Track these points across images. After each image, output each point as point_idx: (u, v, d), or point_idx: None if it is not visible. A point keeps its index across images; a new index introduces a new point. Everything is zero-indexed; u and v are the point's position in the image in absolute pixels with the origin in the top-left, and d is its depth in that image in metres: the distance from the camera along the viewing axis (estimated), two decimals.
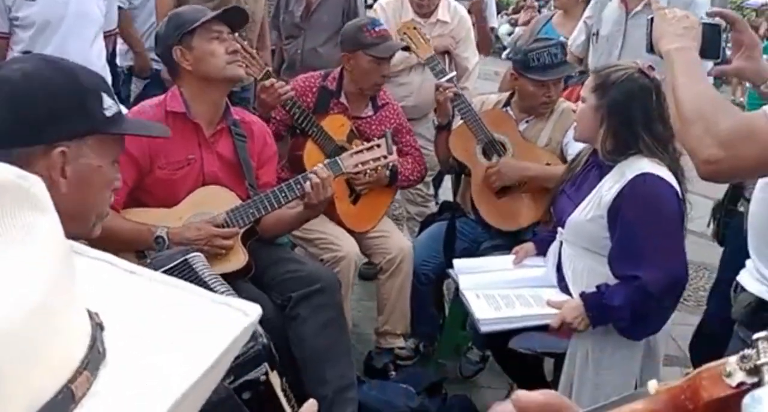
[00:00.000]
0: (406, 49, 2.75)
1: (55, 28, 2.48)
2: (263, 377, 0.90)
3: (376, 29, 2.67)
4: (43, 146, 1.14)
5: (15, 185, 0.42)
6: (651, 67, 2.38)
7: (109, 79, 2.82)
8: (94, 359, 0.41)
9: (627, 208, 2.00)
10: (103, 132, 1.21)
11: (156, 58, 2.68)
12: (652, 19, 1.45)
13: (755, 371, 0.34)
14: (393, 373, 2.70)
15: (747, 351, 0.35)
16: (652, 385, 0.39)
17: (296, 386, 2.09)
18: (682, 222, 2.05)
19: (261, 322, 1.76)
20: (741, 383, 0.35)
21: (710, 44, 1.39)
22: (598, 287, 2.04)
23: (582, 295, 2.05)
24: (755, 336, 0.35)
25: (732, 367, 0.35)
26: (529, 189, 2.68)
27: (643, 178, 1.99)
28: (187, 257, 1.13)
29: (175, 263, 1.11)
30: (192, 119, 2.10)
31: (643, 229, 1.99)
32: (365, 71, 2.66)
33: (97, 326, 0.43)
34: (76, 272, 0.44)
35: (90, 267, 0.50)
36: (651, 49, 1.45)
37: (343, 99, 2.74)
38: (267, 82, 2.48)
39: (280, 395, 0.93)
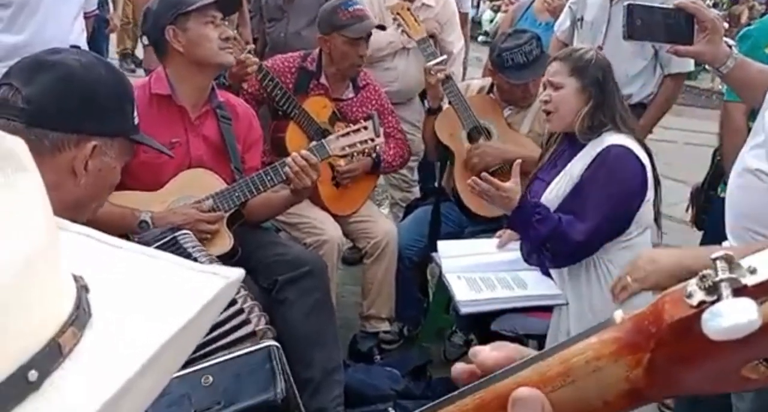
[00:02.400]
0: (380, 28, 2.75)
1: (35, 8, 2.44)
2: None
3: (350, 9, 2.65)
4: (76, 136, 1.18)
5: None
6: (600, 47, 2.45)
7: None
8: (80, 316, 0.42)
9: (588, 173, 2.09)
10: (130, 137, 1.29)
11: None
12: (628, 5, 1.50)
13: (714, 288, 0.35)
14: (378, 357, 2.72)
15: (706, 271, 0.36)
16: (618, 314, 0.40)
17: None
18: (642, 193, 2.09)
19: None
20: (701, 302, 0.35)
21: (683, 30, 1.46)
22: (537, 205, 2.08)
23: (522, 201, 2.07)
24: (713, 256, 0.36)
25: (692, 288, 0.36)
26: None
27: (609, 148, 2.08)
28: (176, 234, 1.13)
29: (164, 240, 1.11)
30: (177, 102, 2.08)
31: (592, 187, 2.07)
32: (342, 53, 2.65)
33: (82, 288, 0.44)
34: (59, 235, 0.44)
35: (71, 240, 0.50)
36: (628, 36, 1.51)
37: (323, 80, 2.73)
38: (242, 56, 2.45)
39: None
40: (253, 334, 1.01)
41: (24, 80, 1.18)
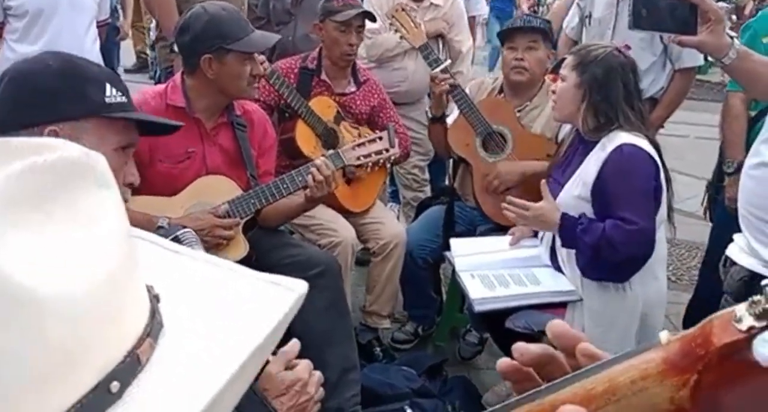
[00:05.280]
0: (370, 19, 2.75)
1: (49, 17, 2.48)
2: None
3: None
4: (37, 129, 1.17)
5: (83, 163, 0.44)
6: (627, 47, 2.44)
7: None
8: (155, 327, 0.44)
9: (605, 176, 2.07)
10: (101, 116, 1.23)
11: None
12: None
13: (764, 314, 0.35)
14: (378, 349, 2.75)
15: (756, 297, 0.36)
16: (664, 335, 0.40)
17: None
18: (658, 190, 2.09)
19: None
20: (751, 328, 0.35)
21: (687, 21, 1.48)
22: (579, 217, 2.09)
23: (563, 217, 2.09)
24: (764, 282, 0.36)
25: (742, 312, 0.36)
26: (531, 185, 2.58)
27: (621, 148, 2.06)
28: (178, 233, 1.16)
29: (168, 239, 1.13)
30: (192, 115, 2.10)
31: (617, 189, 2.06)
32: (333, 39, 2.69)
33: (155, 298, 0.46)
34: (135, 247, 0.46)
35: (140, 247, 0.52)
36: (634, 25, 1.54)
37: (324, 76, 2.76)
38: None
39: None
40: None
41: None
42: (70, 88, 1.21)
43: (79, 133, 1.20)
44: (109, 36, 4.95)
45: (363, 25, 2.73)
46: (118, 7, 5.19)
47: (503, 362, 0.47)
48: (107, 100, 1.23)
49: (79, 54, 2.50)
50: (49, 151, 0.42)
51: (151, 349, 0.43)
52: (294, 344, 1.23)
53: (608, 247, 2.02)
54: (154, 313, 0.44)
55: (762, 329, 0.35)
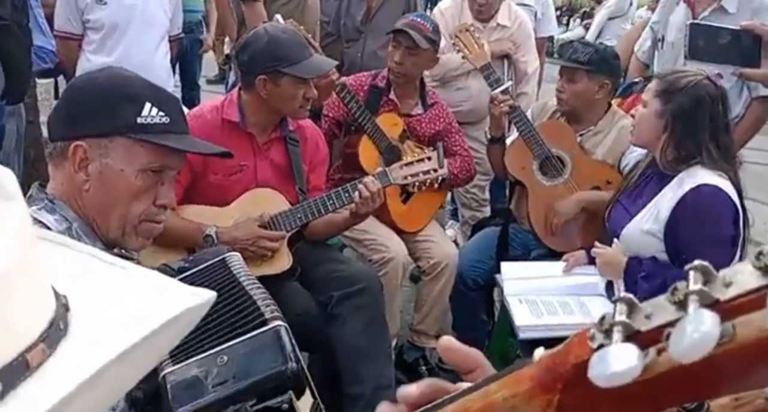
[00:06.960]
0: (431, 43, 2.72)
1: (123, 31, 2.62)
2: (285, 406, 0.91)
3: (410, 18, 2.73)
4: (67, 143, 1.20)
5: None
6: (719, 75, 2.30)
7: (171, 82, 2.93)
8: (53, 334, 0.45)
9: (682, 219, 1.96)
10: (126, 136, 1.20)
11: None
12: (690, 25, 1.45)
13: (609, 332, 0.34)
14: (423, 368, 2.73)
15: (607, 313, 0.35)
16: (538, 353, 0.39)
17: (336, 384, 2.12)
18: (737, 236, 1.98)
19: (304, 319, 1.83)
20: (600, 345, 0.34)
21: (750, 53, 1.40)
22: (644, 261, 2.05)
23: (629, 261, 2.08)
24: (614, 298, 0.35)
25: (594, 329, 0.35)
26: (588, 212, 2.57)
27: (700, 189, 1.94)
28: (225, 256, 1.16)
29: (214, 261, 1.15)
30: (245, 129, 2.15)
31: (691, 233, 1.96)
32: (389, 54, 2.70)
33: (63, 307, 0.48)
34: (42, 257, 0.48)
35: (73, 258, 0.55)
36: (690, 56, 1.45)
37: (392, 96, 2.77)
38: None
39: None
40: (263, 322, 1.04)
41: None
42: (103, 106, 1.20)
43: (107, 150, 1.20)
44: (193, 48, 5.18)
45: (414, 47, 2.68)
46: (203, 21, 5.42)
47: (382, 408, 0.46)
48: (139, 120, 1.20)
49: (149, 65, 2.67)
50: None
51: (44, 354, 0.44)
52: None
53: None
54: (55, 320, 0.46)
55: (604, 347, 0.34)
